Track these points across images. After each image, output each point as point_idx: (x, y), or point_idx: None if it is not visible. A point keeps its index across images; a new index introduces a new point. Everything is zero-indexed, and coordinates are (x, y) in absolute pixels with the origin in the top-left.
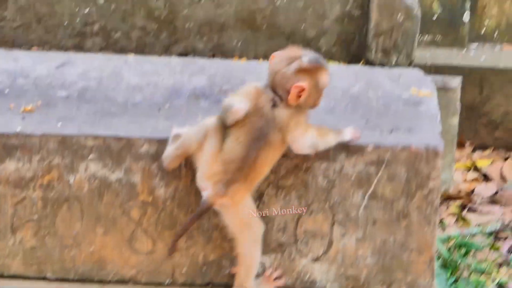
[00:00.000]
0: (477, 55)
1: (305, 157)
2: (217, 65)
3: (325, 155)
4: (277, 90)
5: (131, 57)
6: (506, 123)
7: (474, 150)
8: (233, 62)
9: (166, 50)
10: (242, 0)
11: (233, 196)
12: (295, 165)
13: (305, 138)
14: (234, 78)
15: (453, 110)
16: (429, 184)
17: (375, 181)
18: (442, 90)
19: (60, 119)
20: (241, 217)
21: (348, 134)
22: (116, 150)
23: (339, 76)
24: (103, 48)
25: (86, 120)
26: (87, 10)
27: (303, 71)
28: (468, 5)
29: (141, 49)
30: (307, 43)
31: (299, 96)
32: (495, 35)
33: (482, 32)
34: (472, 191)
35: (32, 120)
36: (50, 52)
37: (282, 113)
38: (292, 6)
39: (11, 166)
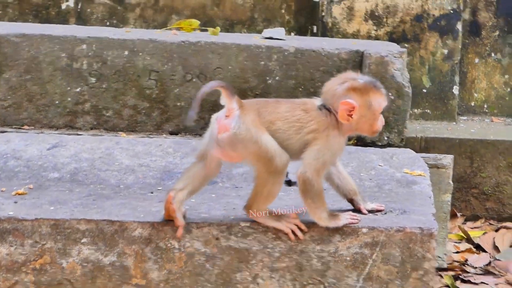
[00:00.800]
0: (467, 128)
1: (300, 240)
2: None
3: (320, 237)
4: (331, 109)
5: (123, 138)
6: (497, 194)
7: (465, 221)
8: None
9: (158, 128)
10: (234, 78)
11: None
12: (289, 247)
13: (306, 168)
14: None
15: (445, 187)
16: (424, 265)
17: (370, 263)
18: (434, 167)
19: (52, 202)
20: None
21: (343, 221)
22: (109, 233)
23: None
24: (95, 127)
25: (78, 204)
26: (78, 89)
27: (354, 89)
28: (457, 79)
29: (133, 128)
30: None
31: (350, 115)
32: (484, 107)
33: (472, 104)
34: (465, 261)
35: (24, 203)
36: (42, 134)
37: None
38: (284, 84)
39: (3, 250)
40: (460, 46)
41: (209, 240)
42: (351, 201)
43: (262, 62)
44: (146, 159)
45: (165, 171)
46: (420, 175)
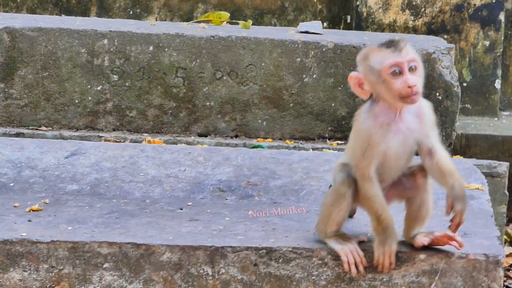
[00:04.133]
0: (510, 124)
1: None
2: (243, 154)
3: (371, 263)
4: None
5: (148, 145)
6: None
7: (508, 223)
8: (261, 151)
9: (186, 130)
10: (267, 76)
11: None
12: (337, 275)
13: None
14: (263, 169)
15: (501, 198)
16: None
17: None
18: (489, 176)
19: (70, 221)
20: None
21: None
22: (134, 258)
23: None
24: (117, 128)
25: (99, 223)
26: (99, 87)
27: (359, 59)
28: (499, 72)
29: (158, 129)
30: (338, 123)
31: (362, 88)
32: None
33: None
34: (510, 266)
35: (39, 222)
36: (59, 140)
37: None
38: (322, 83)
39: (15, 275)
40: (502, 38)
41: (247, 266)
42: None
43: (298, 59)
44: (174, 168)
45: (195, 182)
46: (478, 188)
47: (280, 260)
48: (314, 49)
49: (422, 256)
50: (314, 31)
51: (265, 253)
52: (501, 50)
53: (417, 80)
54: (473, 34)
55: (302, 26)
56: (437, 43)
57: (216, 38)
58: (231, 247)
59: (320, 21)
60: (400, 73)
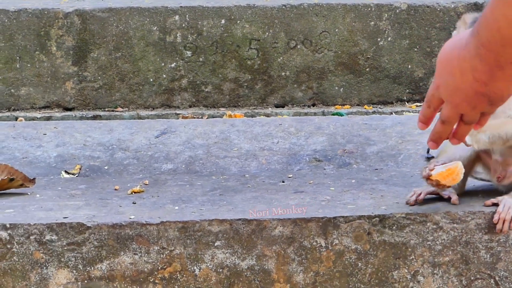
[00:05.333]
0: None
1: (463, 229)
2: (335, 122)
3: (487, 224)
4: None
5: (237, 120)
6: None
7: None
8: (352, 117)
9: (262, 102)
10: (342, 42)
11: None
12: (453, 238)
13: None
14: (356, 136)
15: None
16: None
17: None
18: None
19: (175, 200)
20: None
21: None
22: (245, 234)
23: None
24: (194, 104)
25: (205, 200)
26: (173, 64)
27: None
28: None
29: (235, 103)
30: (416, 85)
31: None
32: None
33: None
34: None
35: (144, 204)
36: (147, 120)
37: None
38: (397, 45)
39: (126, 259)
40: None
41: (360, 236)
42: None
43: (372, 22)
44: (268, 141)
45: (291, 154)
46: None
47: (394, 227)
48: (388, 12)
49: None
50: None
51: (378, 221)
52: None
53: None
54: None
55: None
56: None
57: (288, 7)
58: (343, 217)
59: None
60: None
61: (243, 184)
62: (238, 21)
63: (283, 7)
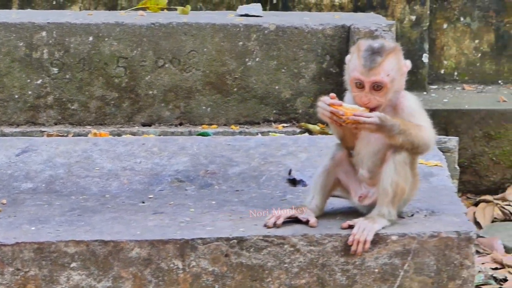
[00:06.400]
0: (439, 97)
1: (320, 252)
2: (198, 142)
3: (343, 247)
4: None
5: (100, 139)
6: (474, 166)
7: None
8: (216, 138)
9: (129, 120)
10: (210, 62)
11: None
12: (309, 261)
13: None
14: (219, 157)
15: (452, 172)
16: (462, 274)
17: (401, 274)
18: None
19: (32, 221)
20: None
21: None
22: (102, 256)
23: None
24: (59, 122)
25: (62, 221)
26: (39, 81)
27: None
28: (426, 46)
29: (101, 121)
30: (283, 106)
31: None
32: (455, 75)
33: (442, 72)
34: None
35: (0, 224)
36: (9, 137)
37: None
38: (265, 66)
39: None
40: (428, 12)
41: (218, 258)
42: None
43: (241, 43)
44: (130, 161)
45: (153, 174)
46: (437, 165)
47: (252, 249)
48: (256, 32)
49: (394, 237)
50: (254, 13)
51: (236, 243)
52: (427, 24)
53: (376, 99)
54: (399, 9)
55: (242, 9)
56: (377, 21)
57: (156, 25)
58: (201, 238)
59: (260, 3)
60: (363, 87)
61: (103, 205)
62: (106, 39)
63: (152, 25)
